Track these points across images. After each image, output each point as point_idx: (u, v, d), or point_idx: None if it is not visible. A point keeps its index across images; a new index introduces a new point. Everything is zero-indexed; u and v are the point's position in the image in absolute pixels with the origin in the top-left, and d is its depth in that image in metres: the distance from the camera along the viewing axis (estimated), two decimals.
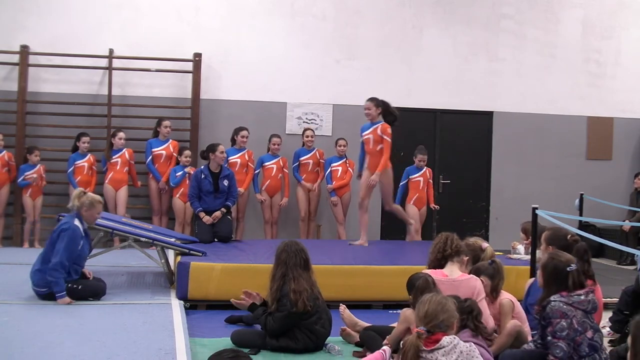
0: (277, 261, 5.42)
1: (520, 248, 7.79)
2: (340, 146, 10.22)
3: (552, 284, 4.41)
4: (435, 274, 5.01)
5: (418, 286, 4.67)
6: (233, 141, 10.04)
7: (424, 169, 9.68)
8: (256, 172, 10.10)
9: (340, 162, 10.21)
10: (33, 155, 9.71)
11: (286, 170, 10.21)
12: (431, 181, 9.75)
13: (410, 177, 9.68)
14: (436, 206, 9.78)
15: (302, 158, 10.22)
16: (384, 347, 4.76)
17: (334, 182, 10.14)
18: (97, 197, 6.94)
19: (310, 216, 10.31)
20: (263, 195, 10.07)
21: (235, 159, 9.90)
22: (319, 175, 10.26)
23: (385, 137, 8.25)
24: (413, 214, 9.65)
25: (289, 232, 10.53)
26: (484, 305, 4.94)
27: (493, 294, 5.16)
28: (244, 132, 10.00)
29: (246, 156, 9.99)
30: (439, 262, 5.30)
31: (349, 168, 10.18)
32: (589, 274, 5.14)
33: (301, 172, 10.20)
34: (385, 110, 8.39)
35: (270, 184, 10.08)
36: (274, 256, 5.47)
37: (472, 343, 4.07)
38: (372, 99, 8.41)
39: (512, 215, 10.39)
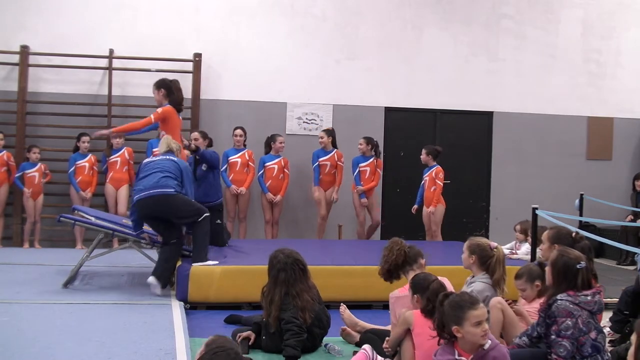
0: (274, 281, 5.15)
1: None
2: (361, 144, 10.00)
3: (562, 282, 4.36)
4: (404, 291, 4.93)
5: (432, 289, 4.56)
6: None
7: (431, 169, 9.42)
8: (260, 172, 10.02)
9: (368, 162, 9.99)
10: (32, 153, 9.72)
11: (287, 171, 10.16)
12: (439, 182, 9.25)
13: (423, 176, 9.62)
14: (429, 209, 9.27)
15: (321, 159, 10.06)
16: (365, 346, 4.68)
17: (363, 184, 9.92)
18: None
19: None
20: (269, 195, 9.97)
21: (235, 158, 9.88)
22: (334, 178, 10.04)
23: (158, 122, 7.44)
24: (424, 216, 9.59)
25: (289, 232, 10.55)
26: None
27: (539, 295, 5.10)
28: (238, 131, 9.96)
29: (246, 155, 9.97)
30: (393, 272, 5.22)
31: (377, 168, 10.00)
32: (592, 273, 5.12)
33: (320, 174, 10.03)
34: (169, 91, 7.55)
35: (271, 184, 10.04)
36: (270, 275, 5.19)
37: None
38: (155, 83, 7.69)
39: (512, 215, 10.35)
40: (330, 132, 10.10)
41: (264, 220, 10.15)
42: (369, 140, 10.05)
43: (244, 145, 10.04)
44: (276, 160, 10.06)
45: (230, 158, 9.84)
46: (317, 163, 10.04)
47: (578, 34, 11.83)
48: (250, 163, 9.97)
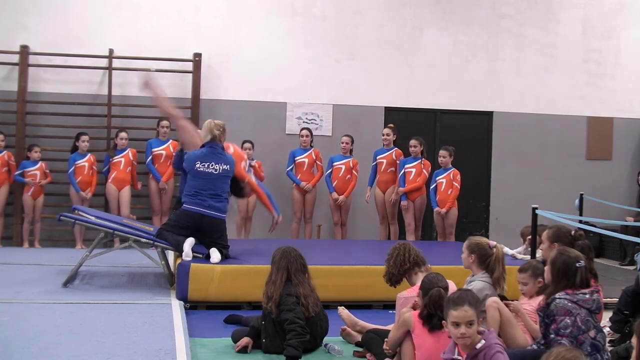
0: (276, 266, 5.30)
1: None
2: (415, 147, 9.69)
3: (561, 280, 4.37)
4: (412, 292, 4.93)
5: (431, 296, 4.56)
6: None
7: (447, 171, 9.43)
8: (328, 172, 9.99)
9: (415, 163, 9.67)
10: (33, 152, 9.73)
11: (355, 172, 10.00)
12: (456, 184, 9.37)
13: (436, 178, 9.58)
14: (442, 210, 9.34)
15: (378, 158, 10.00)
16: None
17: (406, 185, 9.64)
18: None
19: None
20: (334, 195, 9.94)
21: (302, 159, 9.99)
22: (390, 177, 9.86)
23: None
24: (436, 218, 9.59)
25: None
26: None
27: (538, 293, 5.10)
28: (304, 132, 10.04)
29: (313, 155, 9.98)
30: (400, 277, 5.27)
31: (424, 170, 9.66)
32: (592, 273, 5.13)
33: (377, 173, 9.96)
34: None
35: (337, 184, 9.97)
36: (272, 262, 5.35)
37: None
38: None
39: (512, 215, 10.40)
40: (395, 130, 10.00)
41: (333, 221, 10.10)
42: (422, 142, 9.78)
43: (311, 146, 10.06)
44: (344, 161, 9.98)
45: (297, 158, 9.98)
46: (375, 162, 9.95)
47: (578, 34, 11.84)
48: (317, 162, 9.99)
